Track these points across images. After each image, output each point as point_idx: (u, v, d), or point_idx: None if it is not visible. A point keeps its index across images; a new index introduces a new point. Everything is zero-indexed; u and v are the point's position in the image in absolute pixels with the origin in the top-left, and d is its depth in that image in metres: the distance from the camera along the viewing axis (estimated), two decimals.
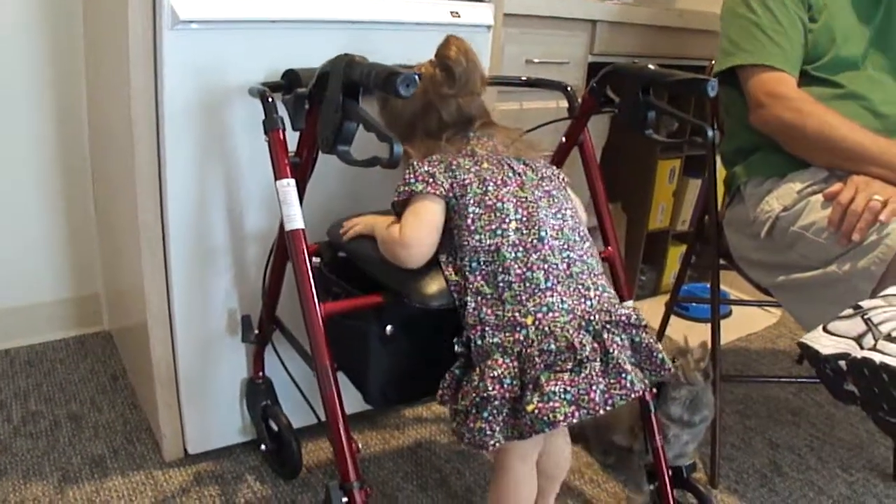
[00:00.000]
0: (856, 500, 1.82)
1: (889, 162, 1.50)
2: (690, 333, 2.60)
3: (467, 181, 1.24)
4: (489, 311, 1.19)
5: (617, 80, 1.47)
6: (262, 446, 1.74)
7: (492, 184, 1.24)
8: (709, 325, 1.89)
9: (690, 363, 1.65)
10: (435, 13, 1.65)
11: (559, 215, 1.28)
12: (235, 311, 1.66)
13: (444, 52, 1.32)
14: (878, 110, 1.64)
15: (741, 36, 1.71)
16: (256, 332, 1.65)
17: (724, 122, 1.92)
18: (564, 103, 1.61)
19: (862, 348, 1.17)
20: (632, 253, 2.83)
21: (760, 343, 2.66)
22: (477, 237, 1.22)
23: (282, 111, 1.31)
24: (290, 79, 1.38)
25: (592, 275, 1.27)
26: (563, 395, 1.14)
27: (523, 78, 1.75)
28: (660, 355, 1.27)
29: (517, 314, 1.18)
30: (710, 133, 1.39)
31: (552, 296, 1.19)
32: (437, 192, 1.24)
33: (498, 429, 1.17)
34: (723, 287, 2.23)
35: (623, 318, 1.25)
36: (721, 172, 1.92)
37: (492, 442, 1.17)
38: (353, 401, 1.36)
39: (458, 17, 1.67)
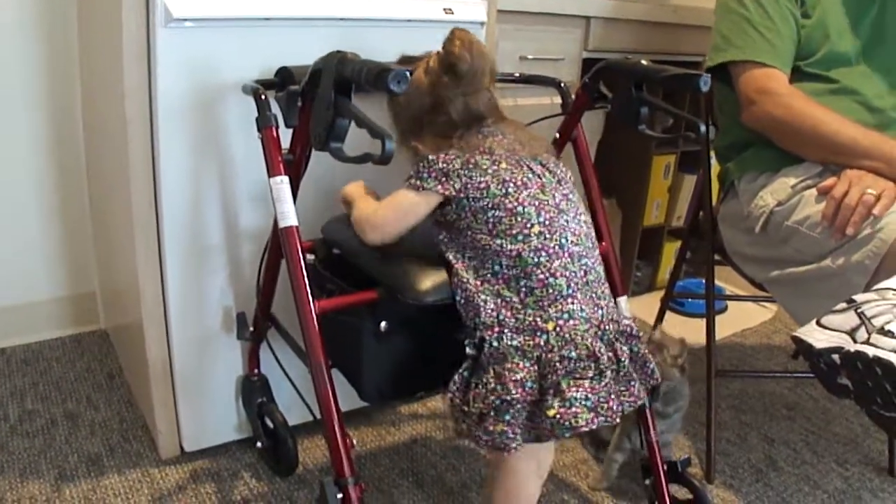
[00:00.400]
0: (851, 494, 1.82)
1: (882, 155, 1.50)
2: (686, 329, 2.61)
3: (484, 184, 1.22)
4: (509, 314, 1.19)
5: (610, 76, 1.47)
6: (258, 443, 1.74)
7: (512, 185, 1.22)
8: (704, 320, 1.90)
9: (667, 359, 1.66)
10: (428, 10, 1.65)
11: (577, 220, 1.27)
12: (230, 308, 1.66)
13: (447, 48, 1.28)
14: (872, 105, 1.65)
15: (732, 31, 1.71)
16: (251, 329, 1.65)
17: (718, 118, 1.92)
18: (558, 99, 1.61)
19: (855, 342, 1.17)
20: (627, 249, 2.83)
21: (756, 338, 2.67)
22: (499, 241, 1.20)
23: (275, 108, 1.31)
24: (284, 76, 1.39)
25: (601, 283, 1.27)
26: (584, 402, 1.16)
27: (517, 74, 1.75)
28: (651, 365, 1.32)
29: (538, 319, 1.18)
30: (703, 128, 1.39)
31: (573, 303, 1.19)
32: (446, 193, 1.22)
33: (519, 431, 1.17)
34: (718, 282, 2.24)
35: (626, 328, 1.28)
36: (716, 168, 1.92)
37: (514, 444, 1.17)
38: (348, 398, 1.36)
39: (452, 13, 1.67)
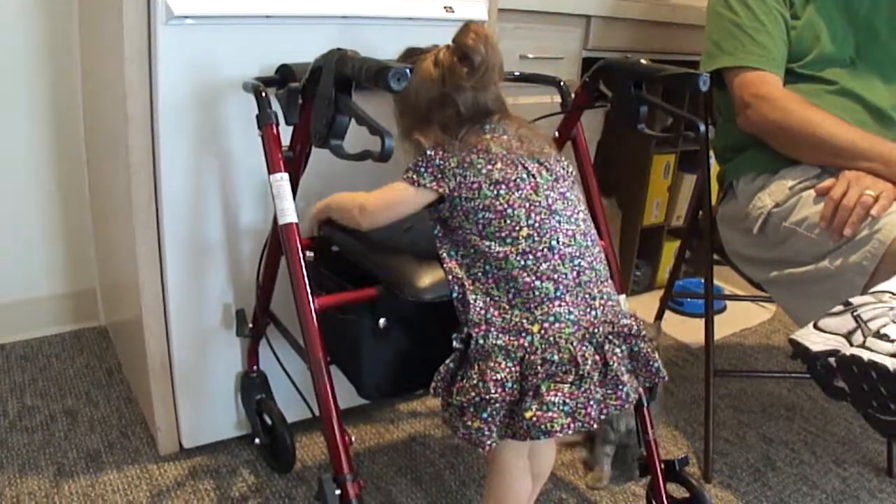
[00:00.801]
0: (849, 494, 1.83)
1: (880, 156, 1.50)
2: (685, 328, 2.63)
3: (476, 184, 1.22)
4: (496, 313, 1.19)
5: (609, 75, 1.47)
6: (257, 440, 1.74)
7: (504, 187, 1.22)
8: (703, 320, 1.90)
9: None
10: (428, 8, 1.65)
11: (573, 220, 1.26)
12: (230, 305, 1.66)
13: (462, 40, 1.26)
14: (870, 104, 1.65)
15: (722, 36, 1.72)
16: (251, 326, 1.65)
17: (717, 119, 1.92)
18: (558, 98, 1.61)
19: (851, 345, 1.17)
20: (627, 248, 2.83)
21: (755, 338, 2.67)
22: (487, 243, 1.21)
23: (275, 106, 1.31)
24: (284, 74, 1.39)
25: (599, 282, 1.27)
26: (561, 407, 1.16)
27: (517, 73, 1.75)
28: (655, 364, 1.30)
29: (524, 320, 1.18)
30: (702, 128, 1.39)
31: (560, 306, 1.19)
32: (441, 191, 1.23)
33: (495, 429, 1.18)
34: (717, 282, 2.25)
35: (625, 328, 1.26)
36: (715, 168, 1.93)
37: (489, 442, 1.18)
38: (347, 395, 1.36)
39: (452, 12, 1.68)
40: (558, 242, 1.22)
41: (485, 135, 1.28)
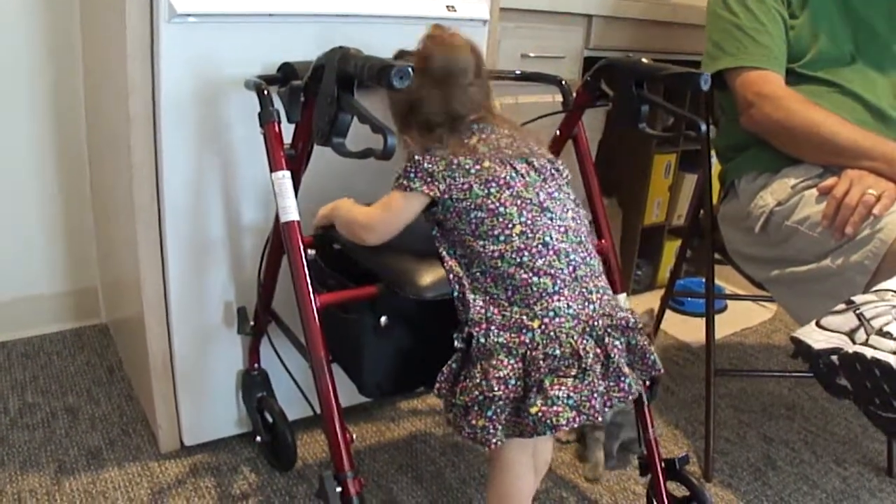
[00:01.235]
0: (849, 493, 1.83)
1: (882, 155, 1.50)
2: (686, 328, 2.63)
3: (467, 185, 1.22)
4: (496, 311, 1.20)
5: (611, 75, 1.47)
6: (258, 438, 1.74)
7: (494, 185, 1.23)
8: (704, 319, 1.90)
9: None
10: (431, 7, 1.65)
11: (563, 217, 1.27)
12: (231, 303, 1.67)
13: (419, 46, 1.30)
14: (870, 104, 1.65)
15: (723, 38, 1.72)
16: (252, 324, 1.65)
17: (719, 118, 1.92)
18: (560, 97, 1.61)
19: (854, 343, 1.18)
20: (627, 248, 2.83)
21: (755, 338, 2.67)
22: (481, 243, 1.21)
23: (277, 104, 1.32)
24: (286, 72, 1.39)
25: (594, 276, 1.27)
26: (566, 401, 1.16)
27: (518, 72, 1.75)
28: (652, 357, 1.31)
29: (524, 317, 1.18)
30: (703, 127, 1.39)
31: (559, 300, 1.20)
32: (431, 194, 1.23)
33: (500, 427, 1.18)
34: (718, 282, 2.24)
35: (622, 321, 1.26)
36: (716, 167, 1.93)
37: (494, 440, 1.18)
38: (347, 393, 1.36)
39: (454, 11, 1.68)
40: (552, 238, 1.22)
41: (472, 136, 1.29)
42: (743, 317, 2.81)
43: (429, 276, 1.25)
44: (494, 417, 1.17)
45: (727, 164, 1.84)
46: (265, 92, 1.32)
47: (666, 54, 2.42)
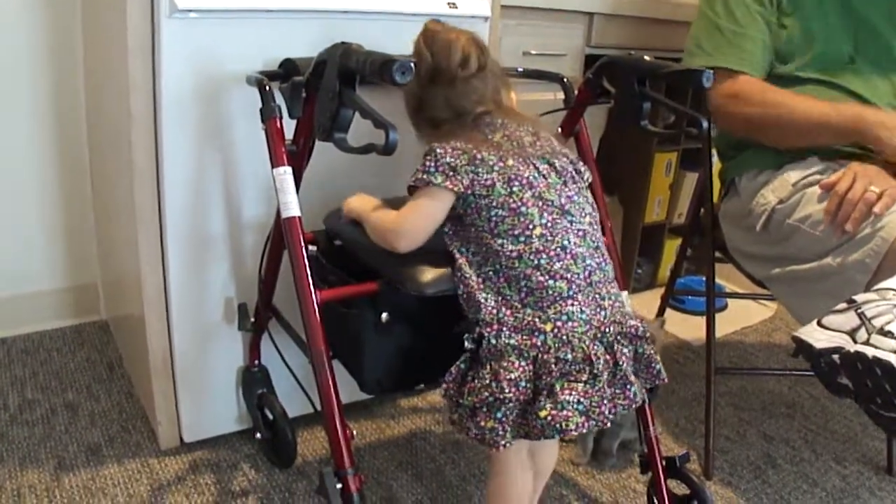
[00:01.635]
0: (849, 492, 1.83)
1: (853, 128, 1.54)
2: (686, 326, 2.63)
3: (490, 181, 1.21)
4: (508, 312, 1.19)
5: (613, 72, 1.47)
6: (258, 435, 1.74)
7: (517, 184, 1.21)
8: (704, 318, 1.89)
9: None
10: (432, 4, 1.65)
11: (582, 221, 1.26)
12: (232, 299, 1.66)
13: (414, 43, 1.31)
14: (871, 103, 1.65)
15: (703, 36, 1.74)
16: (253, 320, 1.65)
17: None
18: (561, 95, 1.61)
19: (855, 342, 1.17)
20: (628, 246, 2.83)
21: (756, 336, 2.67)
22: (500, 241, 1.20)
23: (279, 100, 1.31)
24: (288, 67, 1.39)
25: (608, 283, 1.27)
26: (576, 406, 1.16)
27: (520, 69, 1.75)
28: (657, 366, 1.31)
29: (537, 320, 1.18)
30: (704, 125, 1.39)
31: (572, 305, 1.19)
32: (455, 189, 1.21)
33: (509, 429, 1.18)
34: (719, 280, 2.24)
35: (632, 329, 1.27)
36: (717, 165, 1.92)
37: (503, 442, 1.18)
38: (348, 390, 1.36)
39: (456, 7, 1.67)
40: (570, 242, 1.22)
41: (496, 132, 1.28)
42: (743, 315, 2.81)
43: (430, 273, 1.24)
44: (504, 419, 1.17)
45: (728, 162, 1.84)
46: (267, 88, 1.32)
47: (667, 52, 2.41)
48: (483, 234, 1.22)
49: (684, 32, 2.47)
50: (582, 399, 1.16)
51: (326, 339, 1.23)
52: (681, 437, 2.01)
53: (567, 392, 1.16)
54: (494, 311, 1.19)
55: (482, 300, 1.20)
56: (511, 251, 1.19)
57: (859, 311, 1.22)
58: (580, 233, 1.24)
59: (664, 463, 1.55)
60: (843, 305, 1.25)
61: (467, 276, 1.22)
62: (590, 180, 1.36)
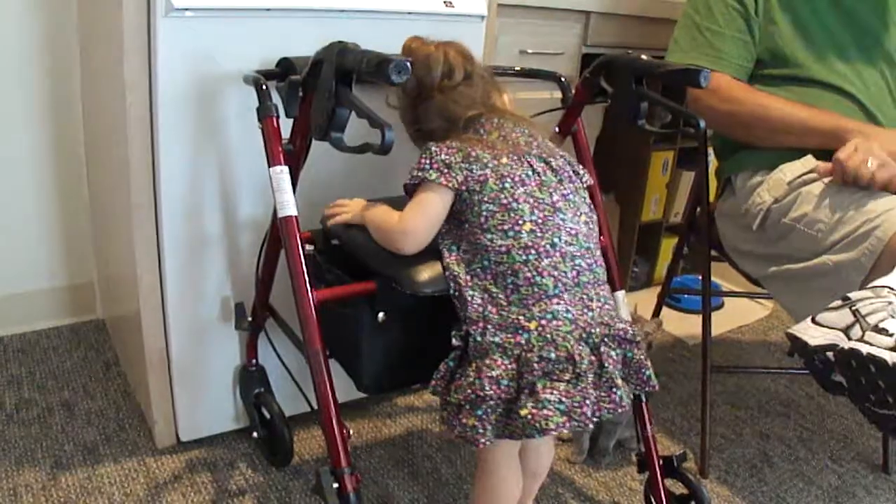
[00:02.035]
0: (845, 490, 1.83)
1: (828, 130, 1.56)
2: (682, 324, 2.64)
3: (483, 177, 1.22)
4: (494, 310, 1.19)
5: (610, 71, 1.47)
6: (255, 434, 1.74)
7: (509, 181, 1.22)
8: (700, 316, 1.90)
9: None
10: (429, 3, 1.65)
11: (575, 220, 1.26)
12: (228, 298, 1.66)
13: None
14: (865, 104, 1.66)
15: (682, 34, 1.76)
16: (249, 319, 1.65)
17: None
18: (558, 94, 1.61)
19: (850, 339, 1.17)
20: (625, 244, 2.83)
21: (752, 335, 2.67)
22: (489, 236, 1.21)
23: (276, 99, 1.31)
24: (285, 66, 1.39)
25: (597, 285, 1.27)
26: (557, 405, 1.15)
27: (517, 68, 1.75)
28: (647, 372, 1.30)
29: (521, 317, 1.18)
30: (701, 124, 1.39)
31: (558, 303, 1.19)
32: (450, 185, 1.22)
33: (490, 427, 1.18)
34: (715, 279, 2.24)
35: (620, 332, 1.26)
36: (714, 164, 1.93)
37: (483, 440, 1.18)
38: (345, 389, 1.36)
39: (452, 7, 1.67)
40: (560, 240, 1.22)
41: (492, 131, 1.29)
42: (739, 314, 2.82)
43: (427, 272, 1.24)
44: (484, 417, 1.17)
45: (724, 162, 1.84)
46: (264, 87, 1.32)
47: (664, 50, 2.41)
48: (474, 230, 1.22)
49: None
50: (563, 398, 1.16)
51: (323, 338, 1.23)
52: (677, 435, 2.01)
53: (548, 391, 1.15)
54: (480, 309, 1.20)
55: (469, 297, 1.20)
56: (500, 246, 1.20)
57: (854, 308, 1.22)
58: (572, 231, 1.24)
59: (661, 462, 1.56)
60: (837, 303, 1.25)
61: (456, 273, 1.22)
62: (589, 183, 1.36)
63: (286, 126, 1.33)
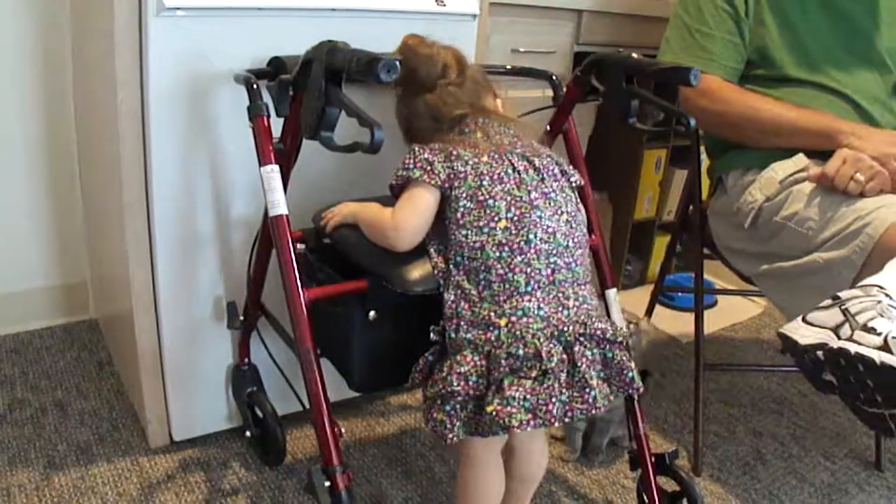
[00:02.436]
0: (838, 487, 1.84)
1: (820, 130, 1.56)
2: (675, 322, 2.64)
3: (463, 174, 1.23)
4: (466, 307, 1.20)
5: (601, 69, 1.47)
6: (248, 433, 1.74)
7: (487, 178, 1.23)
8: (693, 314, 1.90)
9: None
10: (421, 2, 1.65)
11: (554, 218, 1.25)
12: (221, 297, 1.66)
13: None
14: (861, 104, 1.66)
15: (673, 35, 1.77)
16: (242, 318, 1.65)
17: None
18: (550, 92, 1.62)
19: (839, 338, 1.17)
20: (618, 243, 2.84)
21: (745, 333, 2.68)
22: (463, 232, 1.21)
23: (267, 98, 1.31)
24: (275, 66, 1.39)
25: (576, 284, 1.26)
26: (522, 402, 1.16)
27: (509, 67, 1.75)
28: (630, 374, 1.29)
29: (492, 314, 1.19)
30: (693, 122, 1.40)
31: (530, 300, 1.19)
32: (433, 182, 1.23)
33: (459, 423, 1.19)
34: (708, 277, 2.25)
35: (598, 332, 1.25)
36: (706, 163, 1.93)
37: (451, 435, 1.19)
38: (337, 388, 1.36)
39: (444, 5, 1.67)
40: (535, 237, 1.22)
41: (476, 131, 1.30)
42: (732, 312, 2.82)
43: (417, 271, 1.25)
44: (453, 413, 1.18)
45: (716, 160, 1.85)
46: (254, 86, 1.32)
47: (656, 49, 2.42)
48: (450, 227, 1.23)
49: None
50: (528, 396, 1.16)
51: (314, 337, 1.24)
52: (670, 433, 2.01)
53: (514, 388, 1.16)
54: (454, 306, 1.21)
55: (445, 294, 1.22)
56: (474, 242, 1.20)
57: (843, 307, 1.22)
58: (549, 229, 1.24)
59: (654, 459, 1.56)
60: (827, 302, 1.25)
61: (442, 272, 1.24)
62: (579, 183, 1.36)
63: (277, 125, 1.33)
